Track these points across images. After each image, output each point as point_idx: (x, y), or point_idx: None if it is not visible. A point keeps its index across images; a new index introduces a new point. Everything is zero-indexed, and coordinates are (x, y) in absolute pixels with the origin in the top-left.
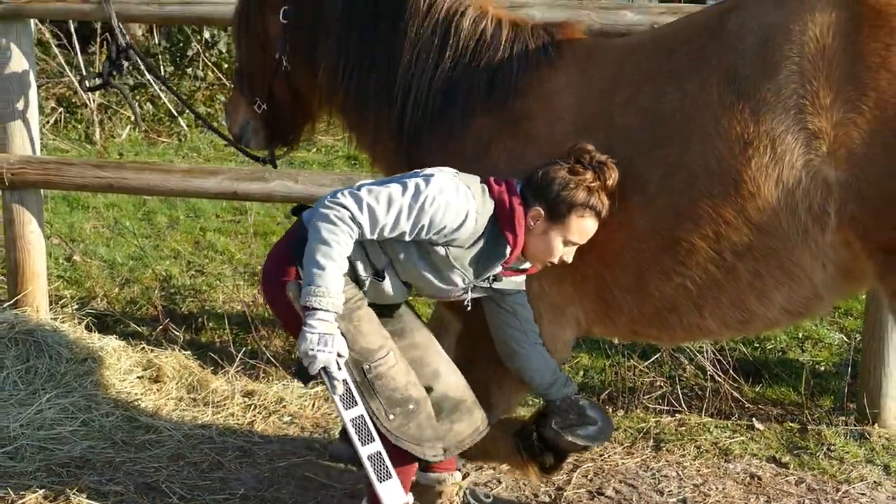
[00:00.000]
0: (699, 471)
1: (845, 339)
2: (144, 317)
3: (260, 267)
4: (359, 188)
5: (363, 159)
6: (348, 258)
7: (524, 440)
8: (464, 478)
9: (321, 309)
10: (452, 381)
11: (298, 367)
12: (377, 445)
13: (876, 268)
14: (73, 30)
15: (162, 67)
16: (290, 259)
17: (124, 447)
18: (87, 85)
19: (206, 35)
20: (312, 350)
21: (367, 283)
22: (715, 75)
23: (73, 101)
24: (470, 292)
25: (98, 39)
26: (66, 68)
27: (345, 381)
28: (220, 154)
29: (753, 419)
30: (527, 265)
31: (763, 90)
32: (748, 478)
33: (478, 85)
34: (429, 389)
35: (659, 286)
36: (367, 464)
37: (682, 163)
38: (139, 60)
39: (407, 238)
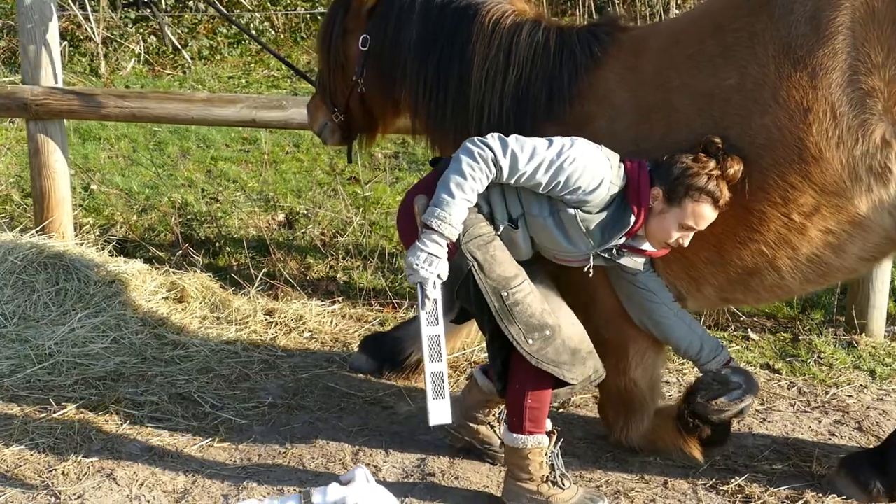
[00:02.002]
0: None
1: None
2: (163, 242)
3: (272, 194)
4: (508, 135)
5: None
6: (488, 201)
7: (681, 420)
8: (556, 441)
9: (438, 232)
10: (571, 330)
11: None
12: (442, 366)
13: None
14: None
15: (163, 1)
16: (427, 191)
17: (155, 362)
18: (122, 1)
19: None
20: (417, 264)
21: (502, 228)
22: (769, 49)
23: (77, 34)
24: (592, 259)
25: None
26: (70, 2)
27: (434, 301)
28: (224, 86)
29: (748, 330)
30: (647, 245)
31: (818, 57)
32: None
33: (539, 97)
34: None
35: (738, 255)
36: (429, 379)
37: (748, 137)
38: None
39: (541, 190)
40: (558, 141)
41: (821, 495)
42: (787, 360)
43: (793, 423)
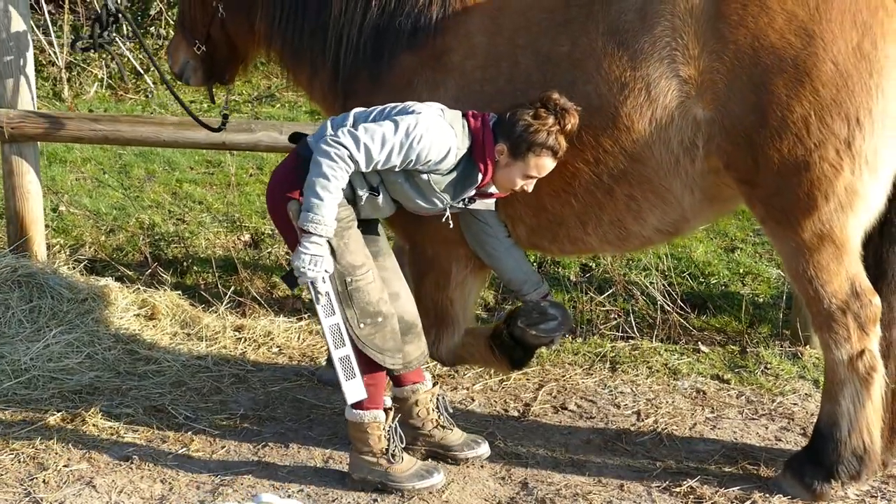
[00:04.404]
0: (651, 388)
1: (783, 273)
2: (132, 262)
3: (238, 215)
4: (355, 125)
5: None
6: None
7: (496, 339)
8: (434, 385)
9: (315, 234)
10: (409, 306)
11: (287, 275)
12: (347, 350)
13: (743, 198)
14: None
15: (124, 27)
16: (292, 178)
17: (129, 376)
18: (79, 47)
19: None
20: (304, 267)
21: (365, 197)
22: (600, 27)
23: (40, 59)
24: (448, 210)
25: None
26: (34, 27)
27: (327, 294)
28: (179, 112)
29: (699, 343)
30: (494, 189)
31: (640, 41)
32: (694, 392)
33: (403, 28)
34: None
35: (551, 202)
36: (337, 364)
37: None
38: (129, 27)
39: (397, 169)
40: (403, 122)
41: (768, 496)
42: (736, 370)
43: (741, 430)
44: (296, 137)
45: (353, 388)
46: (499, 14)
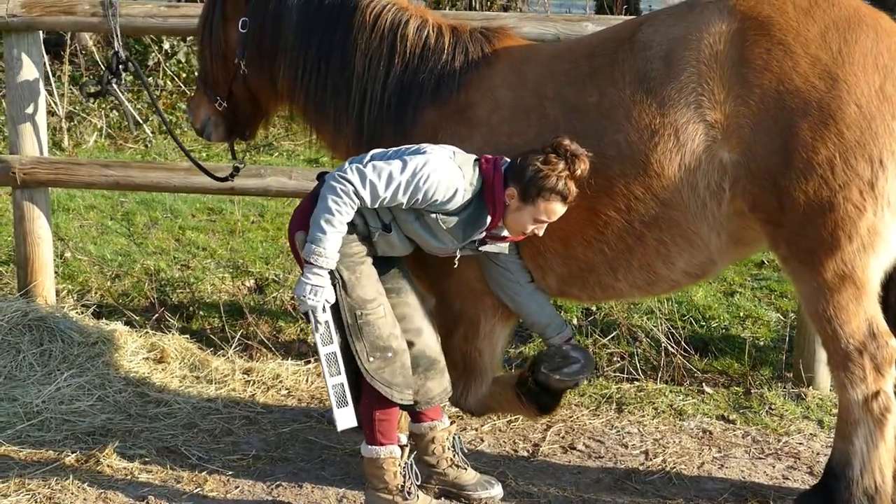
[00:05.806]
0: (658, 428)
1: (781, 317)
2: (138, 307)
3: (241, 261)
4: (366, 163)
5: (324, 162)
6: (360, 213)
7: (522, 387)
8: (451, 424)
9: (317, 266)
10: (431, 342)
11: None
12: (342, 378)
13: (767, 239)
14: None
15: (123, 77)
16: (309, 213)
17: (140, 418)
18: (87, 92)
19: (166, 45)
20: (304, 296)
21: (377, 234)
22: (627, 76)
23: None
24: (459, 252)
25: (67, 50)
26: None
27: (326, 323)
28: (186, 158)
29: (703, 385)
30: (506, 233)
31: (668, 88)
32: (701, 433)
33: (427, 83)
34: (410, 344)
35: (582, 251)
36: (331, 391)
37: (600, 148)
38: (136, 74)
39: (403, 207)
40: (412, 161)
41: None
42: (741, 411)
43: (749, 469)
44: (321, 176)
45: (345, 416)
46: (523, 66)
